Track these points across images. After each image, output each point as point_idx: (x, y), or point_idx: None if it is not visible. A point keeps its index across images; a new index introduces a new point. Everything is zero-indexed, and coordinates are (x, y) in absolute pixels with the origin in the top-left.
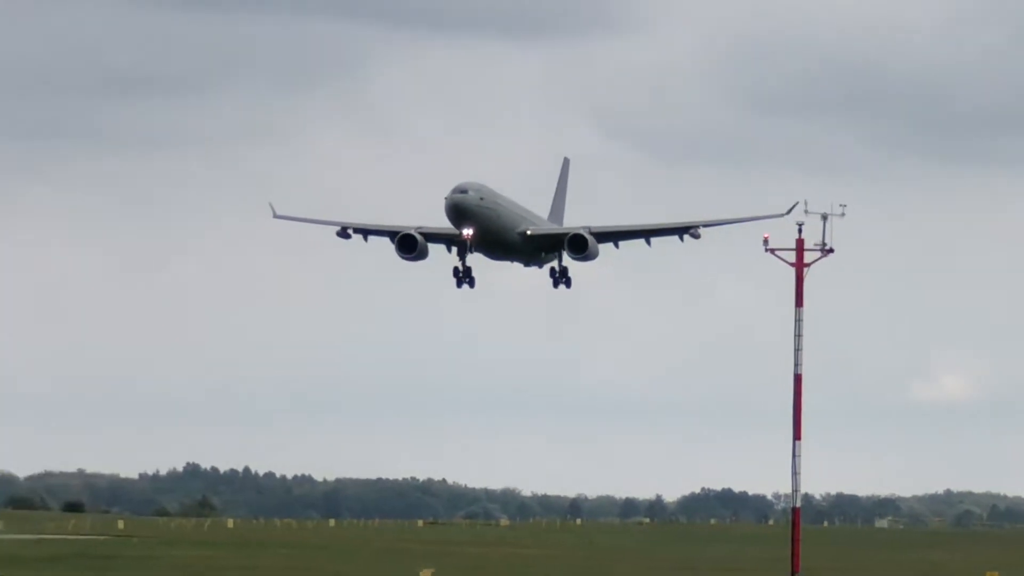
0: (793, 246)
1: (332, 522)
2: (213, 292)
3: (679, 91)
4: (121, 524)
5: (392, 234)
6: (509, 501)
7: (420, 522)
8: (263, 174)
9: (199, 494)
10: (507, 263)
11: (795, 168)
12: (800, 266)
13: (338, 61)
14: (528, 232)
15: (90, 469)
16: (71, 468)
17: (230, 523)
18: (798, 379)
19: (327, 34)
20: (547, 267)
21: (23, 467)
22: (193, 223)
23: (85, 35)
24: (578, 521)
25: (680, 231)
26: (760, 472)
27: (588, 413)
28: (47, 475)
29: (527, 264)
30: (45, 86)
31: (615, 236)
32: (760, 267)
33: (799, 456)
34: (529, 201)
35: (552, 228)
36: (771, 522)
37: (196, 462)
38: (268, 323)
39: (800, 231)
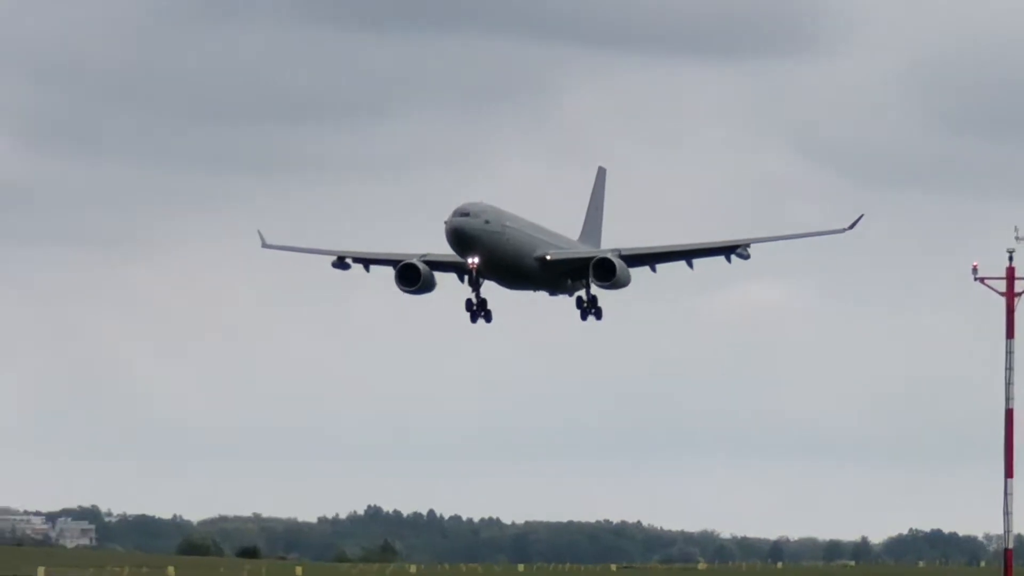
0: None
1: (521, 567)
2: (390, 329)
3: (878, 111)
4: (299, 571)
5: (394, 263)
6: (707, 544)
7: (614, 567)
8: (446, 197)
9: (381, 538)
10: (530, 292)
11: (1004, 191)
12: (1011, 296)
13: (525, 81)
14: (547, 257)
15: (266, 513)
16: (246, 512)
17: (413, 569)
18: (1009, 414)
19: (513, 53)
20: (576, 296)
21: (197, 512)
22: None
23: (262, 59)
24: (779, 565)
25: (727, 251)
26: (971, 512)
27: (787, 451)
28: (221, 520)
29: (553, 293)
30: (228, 112)
31: (651, 259)
32: (962, 296)
33: (1011, 495)
34: (725, 226)
35: (574, 252)
36: (983, 564)
37: (378, 505)
38: (450, 361)
39: (1011, 259)
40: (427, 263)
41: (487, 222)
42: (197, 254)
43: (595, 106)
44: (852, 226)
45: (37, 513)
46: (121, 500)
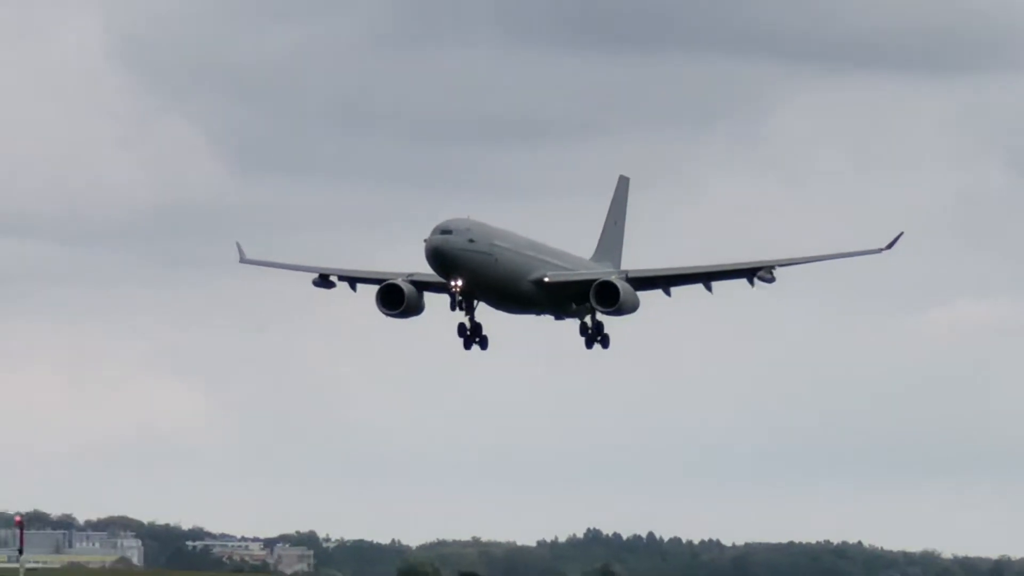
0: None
1: None
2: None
3: None
4: None
5: (378, 282)
6: (929, 564)
7: None
8: (655, 218)
9: (600, 561)
10: (532, 316)
11: None
12: None
13: (738, 98)
14: (545, 279)
15: (485, 537)
16: (465, 536)
17: None
18: None
19: (721, 71)
20: (580, 322)
21: (415, 536)
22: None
23: (471, 80)
24: None
25: (748, 273)
26: None
27: (1008, 467)
28: (440, 544)
29: (559, 317)
30: (442, 133)
31: (664, 281)
32: None
33: None
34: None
35: (575, 274)
36: None
37: (597, 528)
38: (674, 381)
39: None
40: (415, 283)
41: (471, 240)
42: None
43: (804, 123)
44: (891, 245)
45: (255, 539)
46: (339, 525)
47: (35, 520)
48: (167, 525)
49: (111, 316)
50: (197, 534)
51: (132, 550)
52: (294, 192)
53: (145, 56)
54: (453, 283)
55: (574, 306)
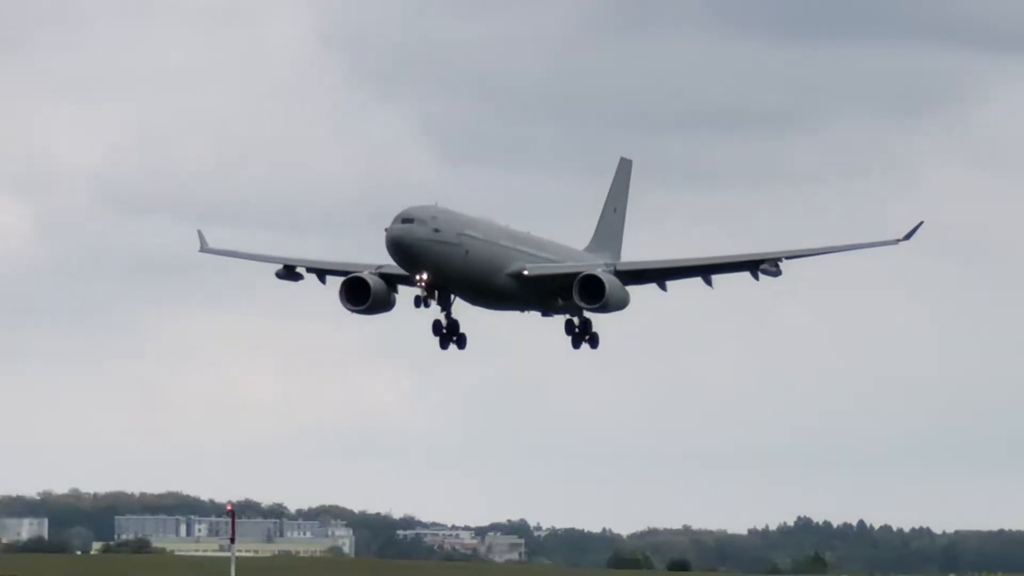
0: None
1: None
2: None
3: None
4: None
5: (344, 274)
6: None
7: None
8: (869, 207)
9: (811, 550)
10: (516, 313)
11: None
12: None
13: (949, 89)
14: (525, 272)
15: (696, 526)
16: (676, 525)
17: None
18: None
19: (934, 60)
20: (566, 319)
21: (626, 525)
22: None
23: (685, 68)
24: None
25: (752, 265)
26: None
27: None
28: (651, 532)
29: (545, 313)
30: (648, 122)
31: (657, 275)
32: None
33: None
34: None
35: (557, 267)
36: None
37: (808, 516)
38: (864, 365)
39: None
40: (384, 277)
41: (437, 230)
42: None
43: (1016, 114)
44: (909, 236)
45: (466, 528)
46: (550, 514)
47: (247, 509)
48: (378, 514)
49: (323, 307)
50: (408, 523)
51: (343, 539)
52: (501, 182)
53: (354, 47)
54: (418, 277)
55: (560, 302)
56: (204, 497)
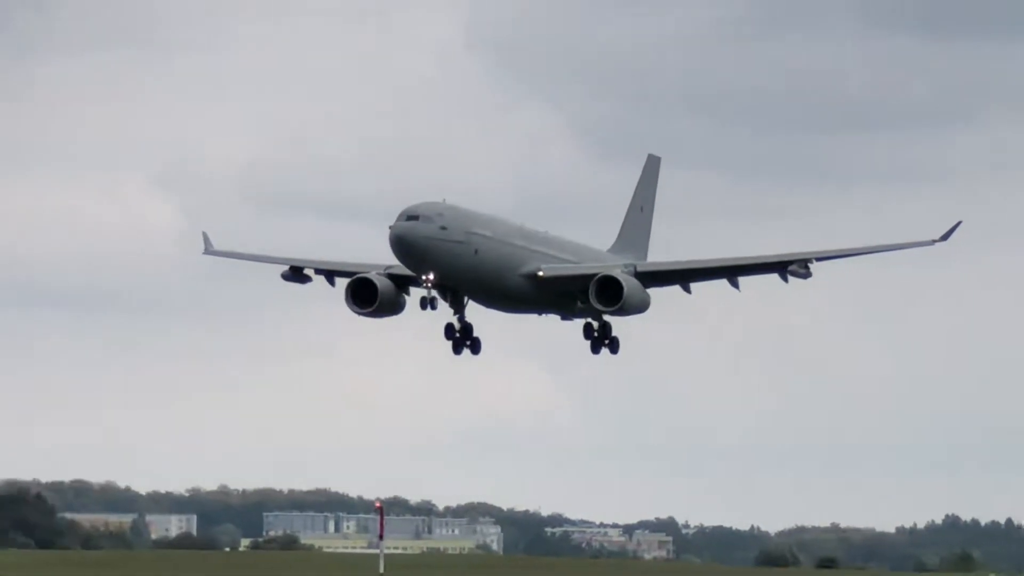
0: None
1: None
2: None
3: None
4: None
5: (350, 275)
6: None
7: None
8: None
9: (959, 547)
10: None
11: None
12: None
13: None
14: (539, 273)
15: (844, 523)
16: (824, 523)
17: None
18: None
19: None
20: (584, 323)
21: (774, 523)
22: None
23: (831, 67)
24: None
25: (780, 267)
26: None
27: None
28: (799, 530)
29: (565, 317)
30: (794, 122)
31: (680, 276)
32: None
33: None
34: None
35: (574, 268)
36: None
37: (956, 514)
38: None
39: None
40: (393, 278)
41: (443, 228)
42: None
43: None
44: (947, 236)
45: (614, 525)
46: (698, 511)
47: (395, 506)
48: (526, 511)
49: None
50: (556, 520)
51: (491, 536)
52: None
53: (506, 45)
54: (424, 277)
55: (579, 305)
56: (352, 494)
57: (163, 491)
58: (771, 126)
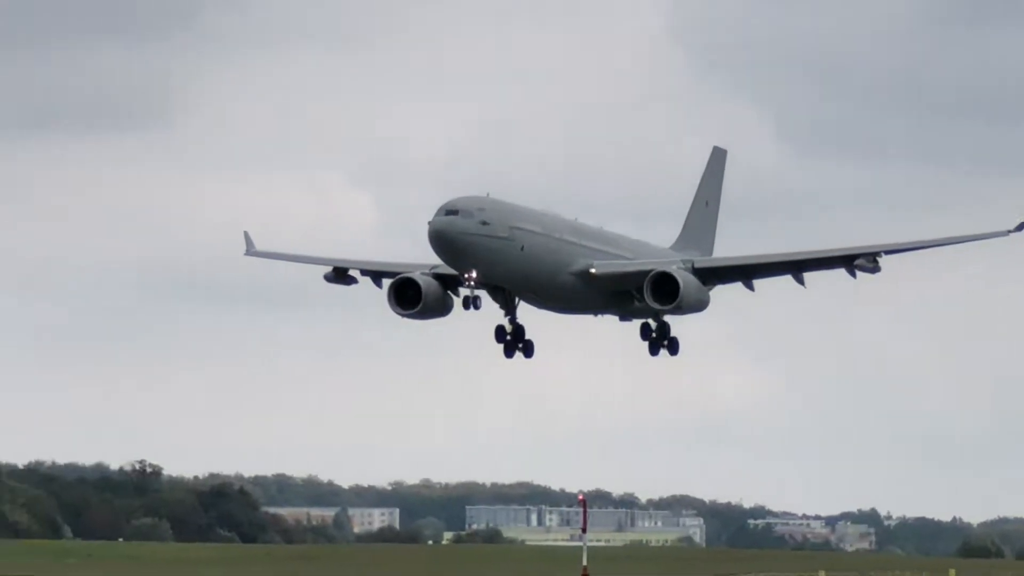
0: None
1: None
2: None
3: None
4: None
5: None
6: None
7: None
8: None
9: None
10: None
11: None
12: None
13: None
14: (592, 271)
15: None
16: None
17: None
18: None
19: None
20: (641, 323)
21: (976, 513)
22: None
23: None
24: None
25: (846, 261)
26: None
27: None
28: (1002, 521)
29: (623, 317)
30: (997, 112)
31: (740, 272)
32: None
33: None
34: None
35: (628, 264)
36: None
37: None
38: None
39: None
40: (439, 277)
41: (485, 223)
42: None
43: None
44: (1022, 227)
45: (817, 517)
46: (900, 503)
47: (598, 499)
48: (729, 503)
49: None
50: (759, 512)
51: (694, 529)
52: (848, 173)
53: (707, 38)
54: (466, 276)
55: (636, 304)
56: (555, 487)
57: (366, 485)
58: (974, 116)
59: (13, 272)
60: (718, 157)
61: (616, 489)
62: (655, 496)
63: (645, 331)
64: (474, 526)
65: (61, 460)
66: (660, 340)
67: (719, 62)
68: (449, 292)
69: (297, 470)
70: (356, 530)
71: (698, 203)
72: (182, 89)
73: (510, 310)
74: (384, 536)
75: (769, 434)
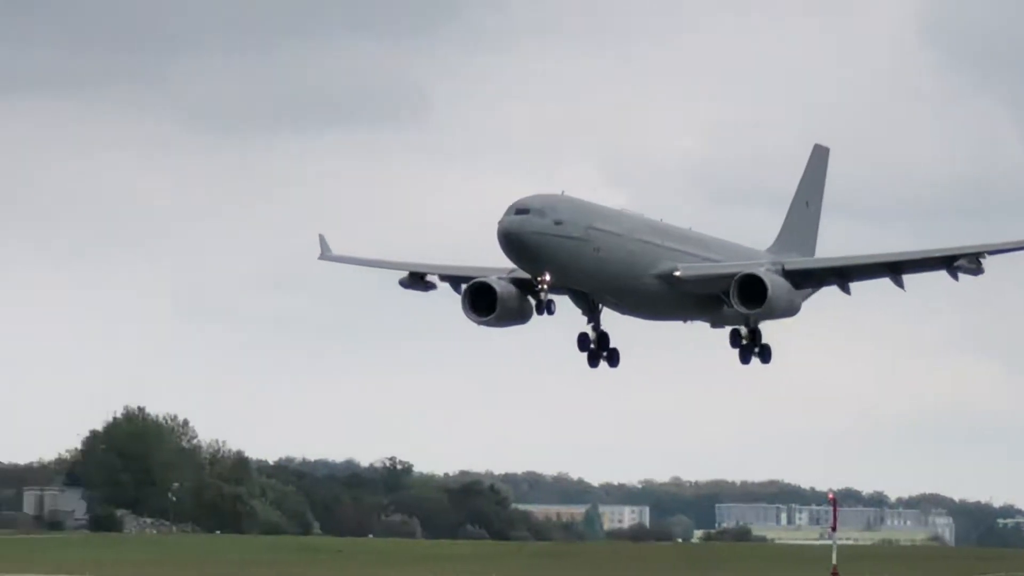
0: None
1: None
2: None
3: None
4: None
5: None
6: None
7: None
8: None
9: None
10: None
11: None
12: None
13: None
14: (676, 273)
15: None
16: None
17: None
18: None
19: None
20: (731, 329)
21: None
22: None
23: None
24: None
25: (946, 262)
26: None
27: None
28: None
29: (715, 324)
30: None
31: (835, 275)
32: None
33: None
34: None
35: (714, 266)
36: None
37: None
38: None
39: None
40: (516, 281)
41: (558, 222)
42: None
43: None
44: None
45: None
46: None
47: (847, 497)
48: (978, 503)
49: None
50: (1008, 512)
51: (944, 528)
52: None
53: (951, 35)
54: (538, 280)
55: (726, 308)
56: (805, 485)
57: (616, 483)
58: None
59: (269, 270)
60: (820, 155)
61: (866, 488)
62: (904, 495)
63: (735, 338)
64: (723, 524)
65: (311, 457)
66: (751, 347)
67: (966, 58)
68: (529, 297)
69: (547, 468)
70: (606, 527)
71: (798, 203)
72: (441, 85)
73: (593, 317)
74: (634, 534)
75: (1019, 432)
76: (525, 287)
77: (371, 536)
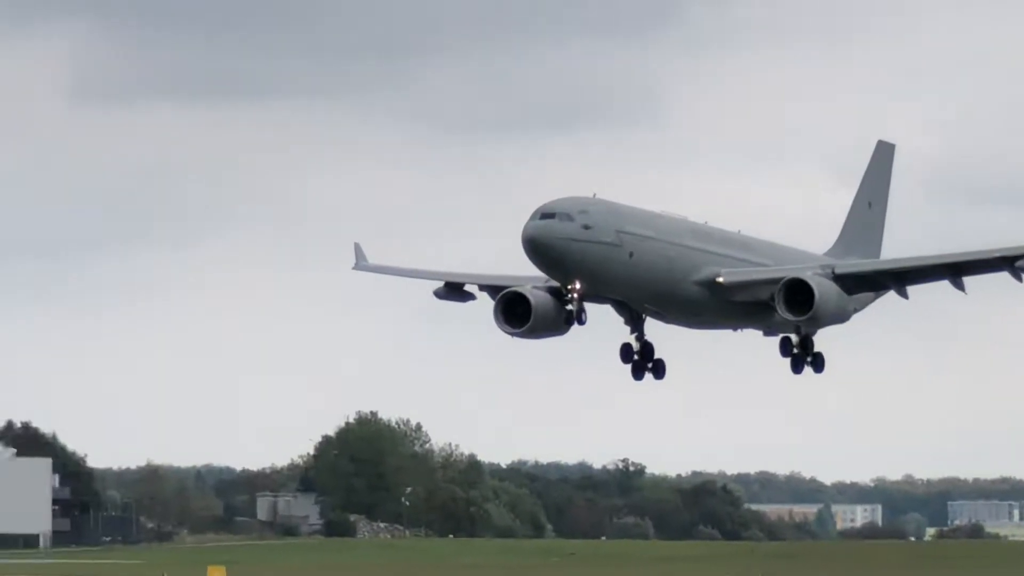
0: None
1: None
2: None
3: None
4: None
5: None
6: None
7: None
8: None
9: None
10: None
11: None
12: None
13: None
14: (719, 279)
15: None
16: None
17: None
18: None
19: None
20: (781, 337)
21: None
22: None
23: None
24: None
25: (1007, 262)
26: None
27: None
28: None
29: (768, 332)
30: None
31: (891, 278)
32: None
33: None
34: None
35: (758, 271)
36: None
37: None
38: None
39: None
40: (552, 291)
41: (587, 227)
42: None
43: None
44: None
45: None
46: None
47: None
48: None
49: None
50: None
51: None
52: None
53: None
54: (568, 288)
55: (776, 316)
56: None
57: (848, 481)
58: None
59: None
60: (884, 152)
61: None
62: None
63: (785, 346)
64: (956, 522)
65: (544, 460)
66: (803, 356)
67: None
68: (565, 307)
69: (780, 467)
70: (839, 526)
71: (859, 203)
72: (666, 86)
73: (636, 326)
74: (867, 532)
75: None
76: (562, 296)
77: (604, 538)
